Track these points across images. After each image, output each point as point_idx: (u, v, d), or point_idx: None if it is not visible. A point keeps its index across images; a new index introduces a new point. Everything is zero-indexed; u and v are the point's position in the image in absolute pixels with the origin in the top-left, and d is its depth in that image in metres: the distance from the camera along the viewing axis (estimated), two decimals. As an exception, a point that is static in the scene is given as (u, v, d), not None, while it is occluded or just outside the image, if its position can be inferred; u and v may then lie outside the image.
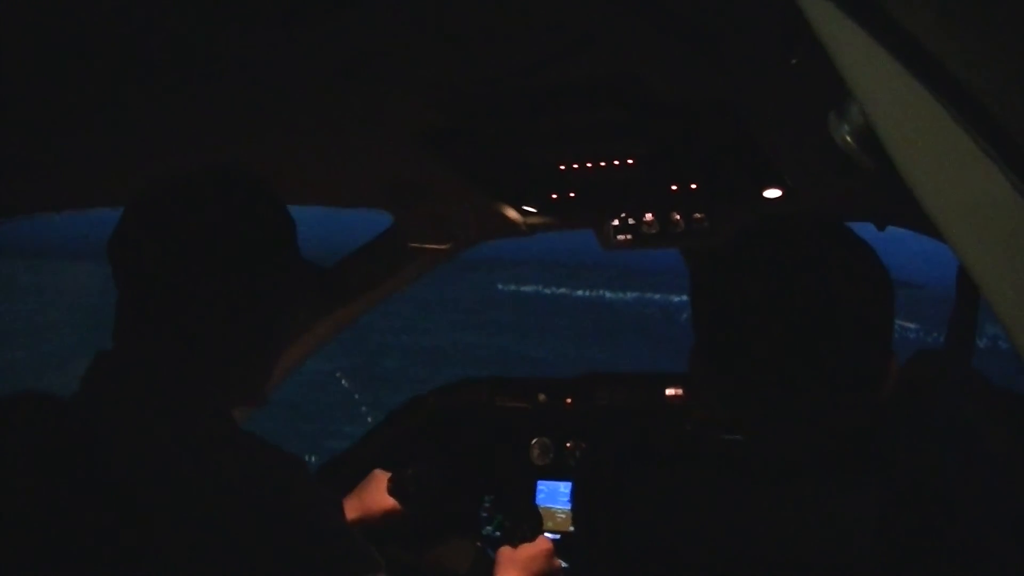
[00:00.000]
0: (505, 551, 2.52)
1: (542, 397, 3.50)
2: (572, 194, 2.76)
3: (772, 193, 2.61)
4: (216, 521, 1.34)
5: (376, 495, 2.51)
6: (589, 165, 2.45)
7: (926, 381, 1.59)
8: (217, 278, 1.51)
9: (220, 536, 1.34)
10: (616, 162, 2.42)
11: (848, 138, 0.89)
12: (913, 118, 0.71)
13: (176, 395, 1.48)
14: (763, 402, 1.30)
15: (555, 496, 3.38)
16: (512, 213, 2.96)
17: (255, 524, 1.36)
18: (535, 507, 3.15)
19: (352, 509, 2.46)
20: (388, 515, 2.51)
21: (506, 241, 3.30)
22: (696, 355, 1.39)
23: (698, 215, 2.78)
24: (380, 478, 2.55)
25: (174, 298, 1.50)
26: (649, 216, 2.84)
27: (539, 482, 3.42)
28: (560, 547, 2.61)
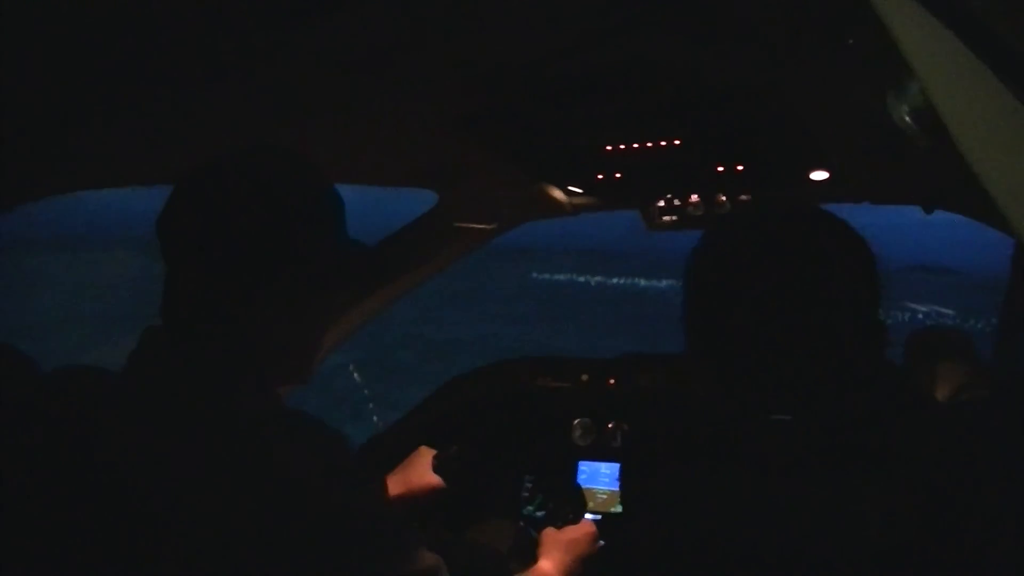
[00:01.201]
0: (549, 532, 2.53)
1: (584, 378, 3.49)
2: (618, 175, 2.76)
3: (819, 175, 2.59)
4: (254, 497, 1.36)
5: (421, 472, 2.52)
6: (636, 146, 2.45)
7: (932, 365, 1.59)
8: (264, 257, 1.52)
9: (257, 513, 1.35)
10: (663, 143, 2.41)
11: (907, 118, 0.89)
12: (975, 97, 0.70)
13: (220, 371, 1.49)
14: (760, 392, 1.31)
15: (597, 477, 3.38)
16: (557, 194, 2.96)
17: (293, 501, 1.37)
18: (578, 488, 3.15)
19: (396, 484, 2.47)
20: (431, 493, 2.52)
21: (542, 229, 3.30)
22: (690, 350, 1.40)
23: (744, 196, 2.77)
24: (425, 455, 2.57)
25: (221, 277, 1.52)
26: (695, 197, 2.83)
27: (580, 463, 3.42)
28: (601, 527, 2.62)
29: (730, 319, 1.33)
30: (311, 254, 1.57)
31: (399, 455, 2.63)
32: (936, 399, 1.59)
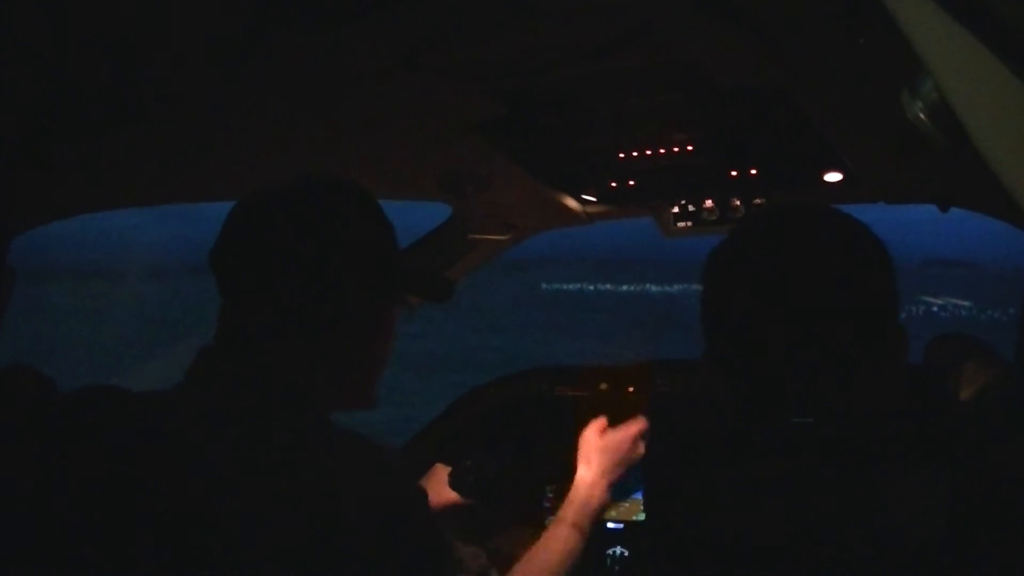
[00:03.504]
0: (587, 438, 2.50)
1: (603, 386, 3.49)
2: (631, 182, 2.76)
3: (832, 177, 2.59)
4: (301, 514, 1.36)
5: (437, 489, 2.52)
6: (648, 153, 2.45)
7: (954, 365, 1.58)
8: (323, 284, 1.54)
9: (304, 529, 1.35)
10: (675, 149, 2.41)
11: (922, 115, 0.89)
12: (991, 93, 0.70)
13: (276, 393, 1.50)
14: (779, 396, 1.30)
15: (617, 485, 3.37)
16: (571, 202, 2.96)
17: (346, 519, 1.37)
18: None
19: None
20: (451, 508, 2.52)
21: (556, 239, 3.30)
22: (709, 354, 1.40)
23: (758, 200, 2.77)
24: (440, 472, 2.56)
25: (280, 303, 1.53)
26: (709, 203, 2.82)
27: None
28: (623, 537, 2.61)
29: (749, 322, 1.32)
30: (367, 280, 1.59)
31: (420, 466, 2.62)
32: (960, 398, 1.58)
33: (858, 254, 1.32)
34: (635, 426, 2.52)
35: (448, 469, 2.56)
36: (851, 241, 1.33)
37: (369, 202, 1.64)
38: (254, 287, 1.54)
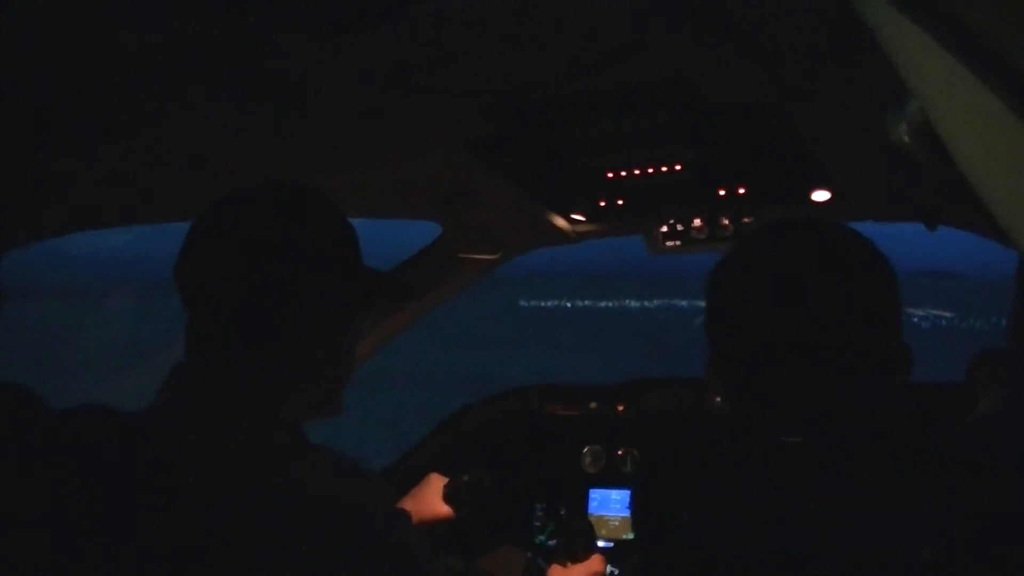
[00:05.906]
0: (556, 569, 2.52)
1: (593, 405, 3.49)
2: (620, 201, 2.77)
3: (820, 195, 2.60)
4: (284, 531, 1.35)
5: (431, 500, 2.52)
6: (637, 172, 2.45)
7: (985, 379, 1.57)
8: (288, 291, 1.53)
9: (288, 546, 1.35)
10: (664, 168, 2.42)
11: (906, 136, 0.89)
12: (974, 114, 0.70)
13: (249, 406, 1.49)
14: (775, 413, 1.30)
15: (607, 504, 3.38)
16: (560, 221, 2.97)
17: (325, 535, 1.37)
18: (587, 519, 3.15)
19: None
20: (441, 521, 2.51)
21: (540, 257, 3.31)
22: (711, 365, 1.40)
23: (746, 219, 2.78)
24: (436, 483, 2.56)
25: (247, 313, 1.52)
26: (698, 221, 2.83)
27: (591, 490, 3.42)
28: (613, 555, 2.61)
29: (753, 335, 1.32)
30: (333, 286, 1.58)
31: (409, 484, 2.62)
32: (976, 411, 1.57)
33: (865, 270, 1.32)
34: (598, 563, 2.55)
35: (443, 481, 2.56)
36: (858, 257, 1.33)
37: (330, 207, 1.63)
38: (217, 298, 1.54)
